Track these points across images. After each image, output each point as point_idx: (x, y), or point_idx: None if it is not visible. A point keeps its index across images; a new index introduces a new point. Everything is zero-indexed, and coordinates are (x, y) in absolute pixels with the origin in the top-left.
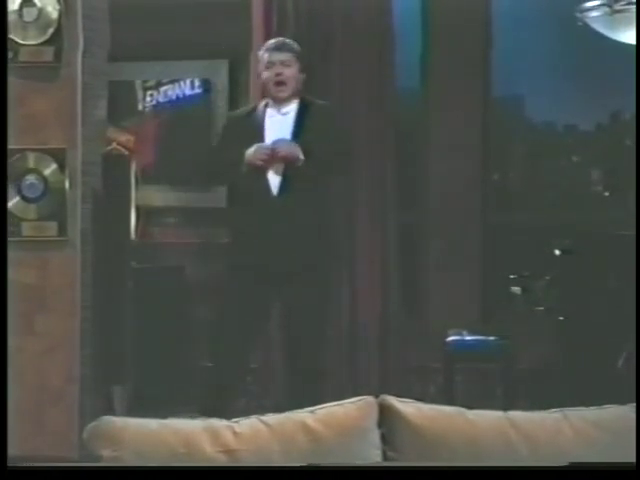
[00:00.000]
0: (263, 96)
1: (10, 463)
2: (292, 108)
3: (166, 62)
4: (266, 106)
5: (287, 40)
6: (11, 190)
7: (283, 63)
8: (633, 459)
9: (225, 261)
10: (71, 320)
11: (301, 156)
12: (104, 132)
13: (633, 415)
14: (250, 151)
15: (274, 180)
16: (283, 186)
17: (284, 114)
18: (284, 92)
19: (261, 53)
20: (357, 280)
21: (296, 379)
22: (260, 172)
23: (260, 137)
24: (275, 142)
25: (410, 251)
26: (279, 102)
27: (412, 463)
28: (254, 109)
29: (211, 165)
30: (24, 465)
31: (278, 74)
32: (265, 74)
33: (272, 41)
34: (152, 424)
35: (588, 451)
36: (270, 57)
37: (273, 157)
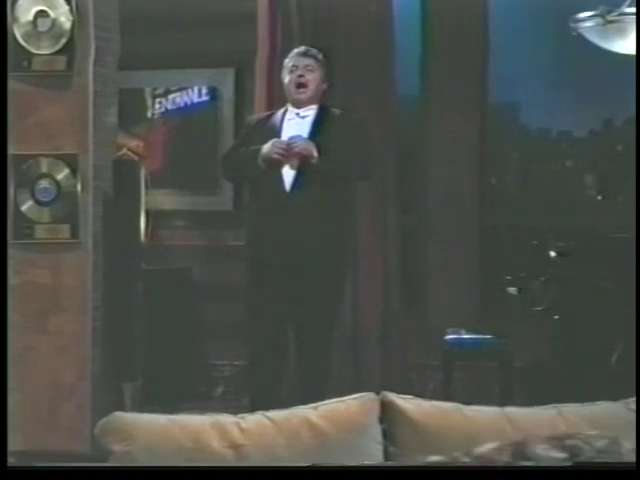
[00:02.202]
0: (283, 100)
1: (24, 458)
2: (311, 113)
3: (175, 70)
4: (285, 111)
5: (312, 49)
6: (25, 194)
7: (306, 67)
8: (625, 455)
9: (239, 259)
10: (83, 320)
11: (315, 153)
12: (115, 138)
13: (626, 411)
14: (267, 146)
15: (288, 176)
16: (296, 182)
17: (303, 117)
18: (304, 94)
19: (286, 61)
20: (359, 280)
21: (305, 376)
22: (275, 166)
23: (278, 137)
24: (291, 138)
25: (410, 252)
26: (298, 105)
27: (413, 463)
28: (274, 113)
29: (229, 162)
30: (24, 465)
31: (300, 76)
32: (288, 77)
33: (297, 49)
34: (161, 420)
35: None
36: (294, 62)
37: (289, 152)
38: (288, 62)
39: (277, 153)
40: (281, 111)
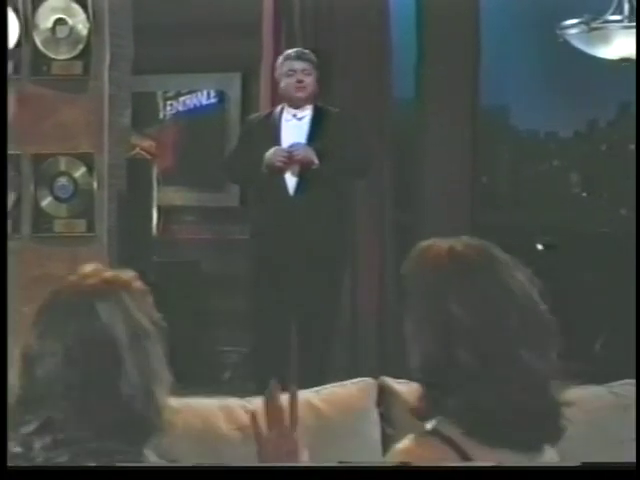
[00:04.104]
0: (280, 101)
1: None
2: (307, 114)
3: (185, 75)
4: (282, 111)
5: (306, 50)
6: (44, 191)
7: (303, 71)
8: (609, 436)
9: (244, 254)
10: None
11: (315, 160)
12: (128, 138)
13: (609, 395)
14: (269, 153)
15: (291, 181)
16: (299, 187)
17: (300, 119)
18: (303, 97)
19: (281, 61)
20: (358, 273)
21: (307, 362)
22: (278, 173)
23: (277, 140)
24: (292, 145)
25: (406, 247)
26: (297, 107)
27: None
28: (271, 113)
29: (231, 166)
30: (24, 465)
31: (299, 81)
32: (286, 80)
33: (292, 51)
34: (172, 403)
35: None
36: (291, 65)
37: (290, 159)
38: (283, 64)
39: (279, 161)
40: (278, 111)
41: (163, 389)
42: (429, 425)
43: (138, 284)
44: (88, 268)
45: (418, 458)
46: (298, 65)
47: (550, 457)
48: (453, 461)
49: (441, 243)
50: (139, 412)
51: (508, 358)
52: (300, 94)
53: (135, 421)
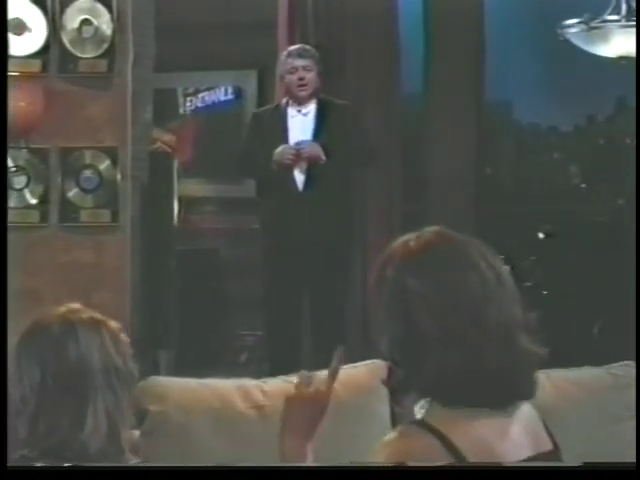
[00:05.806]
0: (285, 95)
1: None
2: (311, 108)
3: (204, 72)
4: (287, 105)
5: (307, 47)
6: (71, 182)
7: (305, 68)
8: (607, 414)
9: (257, 248)
10: (122, 295)
11: (323, 156)
12: (150, 133)
13: (607, 375)
14: (278, 151)
15: (299, 177)
16: (307, 183)
17: (305, 114)
18: (305, 92)
19: (284, 58)
20: (368, 263)
21: (319, 345)
22: (287, 170)
23: (284, 135)
24: (299, 143)
25: None
26: (300, 102)
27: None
28: (276, 107)
29: (242, 160)
30: (24, 465)
31: (301, 78)
32: (289, 77)
33: (294, 47)
34: (192, 383)
35: (567, 405)
36: (293, 62)
37: (298, 157)
38: (285, 61)
39: (287, 159)
40: (283, 105)
41: (126, 427)
42: (418, 415)
43: (114, 324)
44: (73, 306)
45: (403, 449)
46: (299, 62)
47: (528, 410)
48: (437, 450)
49: (407, 235)
50: (100, 444)
51: (470, 324)
52: (302, 91)
53: (94, 452)
